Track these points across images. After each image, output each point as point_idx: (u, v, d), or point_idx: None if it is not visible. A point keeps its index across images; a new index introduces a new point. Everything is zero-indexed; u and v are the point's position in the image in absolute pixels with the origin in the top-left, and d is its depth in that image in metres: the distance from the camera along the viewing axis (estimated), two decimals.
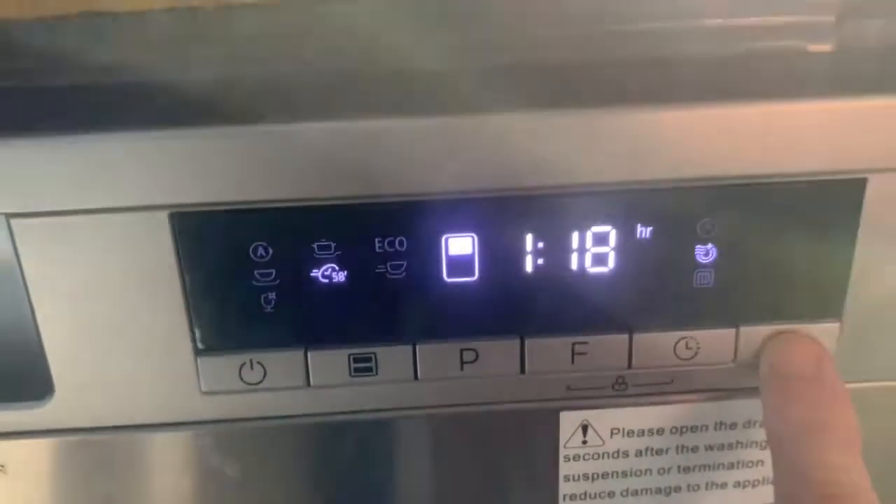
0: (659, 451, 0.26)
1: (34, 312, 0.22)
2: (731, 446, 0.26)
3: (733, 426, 0.25)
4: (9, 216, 0.21)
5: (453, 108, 0.21)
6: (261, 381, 0.23)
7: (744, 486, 0.26)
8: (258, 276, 0.22)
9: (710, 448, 0.26)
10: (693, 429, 0.25)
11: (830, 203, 0.23)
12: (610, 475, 0.26)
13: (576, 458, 0.25)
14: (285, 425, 0.24)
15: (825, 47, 0.24)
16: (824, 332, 0.24)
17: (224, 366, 0.23)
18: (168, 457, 0.25)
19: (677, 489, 0.26)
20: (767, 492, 0.26)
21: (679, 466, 0.26)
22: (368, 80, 0.24)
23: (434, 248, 0.23)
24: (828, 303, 0.24)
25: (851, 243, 0.23)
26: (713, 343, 0.24)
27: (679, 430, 0.25)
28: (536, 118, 0.21)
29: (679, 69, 0.24)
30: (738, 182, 0.22)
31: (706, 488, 0.26)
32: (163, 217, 0.21)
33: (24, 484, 0.25)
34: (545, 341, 0.23)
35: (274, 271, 0.22)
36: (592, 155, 0.21)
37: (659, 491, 0.26)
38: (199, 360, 0.23)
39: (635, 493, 0.26)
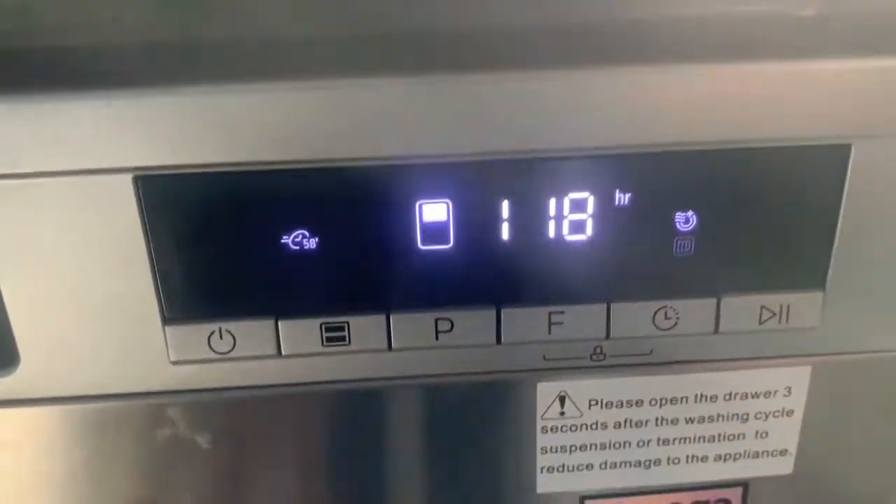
0: (638, 424, 0.25)
1: None
2: (711, 419, 0.25)
3: (714, 398, 0.25)
4: None
5: (429, 69, 0.21)
6: (230, 351, 0.23)
7: (724, 460, 0.26)
8: (226, 243, 0.22)
9: (690, 421, 0.25)
10: (673, 401, 0.25)
11: (814, 170, 0.22)
12: (588, 447, 0.25)
13: (553, 429, 0.25)
14: (256, 395, 0.24)
15: (809, 11, 0.23)
16: (808, 301, 0.23)
17: (193, 335, 0.23)
18: (139, 425, 0.25)
19: (657, 462, 0.26)
20: (748, 465, 0.26)
21: (659, 439, 0.25)
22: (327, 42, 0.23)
23: (408, 215, 0.22)
24: (811, 272, 0.23)
25: (836, 211, 0.22)
26: (693, 313, 0.23)
27: (659, 402, 0.25)
28: (513, 79, 0.21)
29: (660, 31, 0.23)
30: (719, 147, 0.21)
31: (686, 461, 0.26)
32: (127, 180, 0.21)
33: None
34: (521, 311, 0.23)
35: (242, 237, 0.22)
36: (570, 119, 0.21)
37: (639, 464, 0.26)
38: (166, 328, 0.23)
39: (614, 465, 0.26)
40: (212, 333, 0.23)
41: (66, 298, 0.22)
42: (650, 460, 0.26)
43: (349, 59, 0.22)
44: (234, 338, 0.23)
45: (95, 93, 0.20)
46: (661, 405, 0.25)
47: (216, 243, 0.22)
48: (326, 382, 0.24)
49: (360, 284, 0.23)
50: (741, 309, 0.23)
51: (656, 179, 0.22)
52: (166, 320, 0.23)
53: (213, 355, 0.23)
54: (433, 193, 0.22)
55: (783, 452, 0.26)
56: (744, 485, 0.27)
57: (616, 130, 0.21)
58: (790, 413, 0.25)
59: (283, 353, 0.23)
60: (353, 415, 0.25)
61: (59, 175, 0.21)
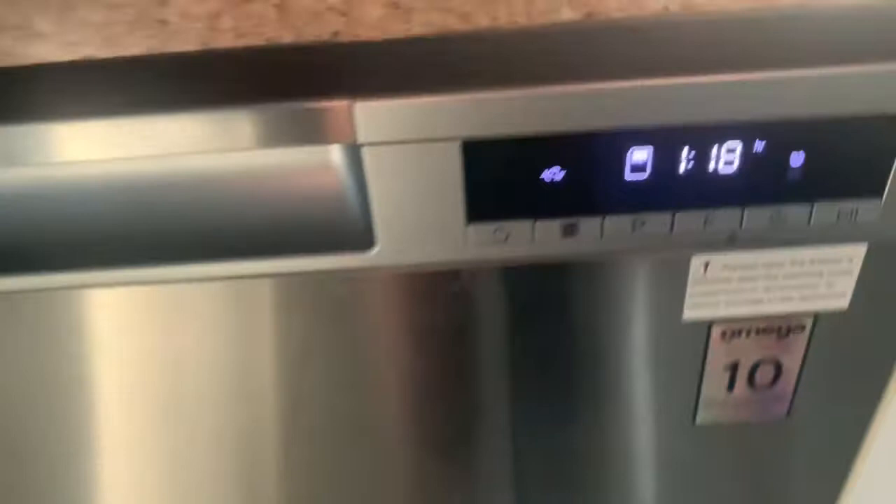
0: (752, 279, 0.40)
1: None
2: (801, 275, 0.40)
3: (802, 263, 0.39)
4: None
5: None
6: (506, 239, 0.37)
7: (804, 299, 0.41)
8: (509, 177, 0.36)
9: (786, 276, 0.40)
10: (778, 265, 0.39)
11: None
12: (718, 293, 0.40)
13: (698, 282, 0.40)
14: (520, 266, 0.39)
15: None
16: (869, 205, 0.37)
17: (483, 230, 0.37)
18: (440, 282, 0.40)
19: (762, 301, 0.41)
20: (819, 302, 0.41)
21: (765, 287, 0.40)
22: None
23: (622, 156, 0.35)
24: (873, 186, 0.36)
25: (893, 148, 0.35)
26: (795, 214, 0.37)
27: (766, 266, 0.39)
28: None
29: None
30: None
31: (780, 300, 0.41)
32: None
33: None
34: (689, 213, 0.37)
35: (522, 172, 0.36)
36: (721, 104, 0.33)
37: (750, 302, 0.41)
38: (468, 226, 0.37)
39: (734, 303, 0.41)
40: (495, 230, 0.37)
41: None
42: (759, 299, 0.41)
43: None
44: (509, 233, 0.37)
45: None
46: (769, 266, 0.39)
47: (503, 177, 0.36)
48: (562, 257, 0.38)
49: (586, 199, 0.37)
50: (826, 211, 0.37)
51: (780, 132, 0.35)
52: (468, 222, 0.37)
53: (493, 243, 0.37)
54: (640, 143, 0.35)
55: (842, 295, 0.41)
56: (815, 314, 0.41)
57: (759, 108, 0.34)
58: (849, 273, 0.39)
59: (535, 241, 0.38)
60: (577, 285, 0.40)
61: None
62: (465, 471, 0.51)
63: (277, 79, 0.31)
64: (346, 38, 0.28)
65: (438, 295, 0.40)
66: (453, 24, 0.28)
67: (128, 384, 0.45)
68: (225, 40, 0.28)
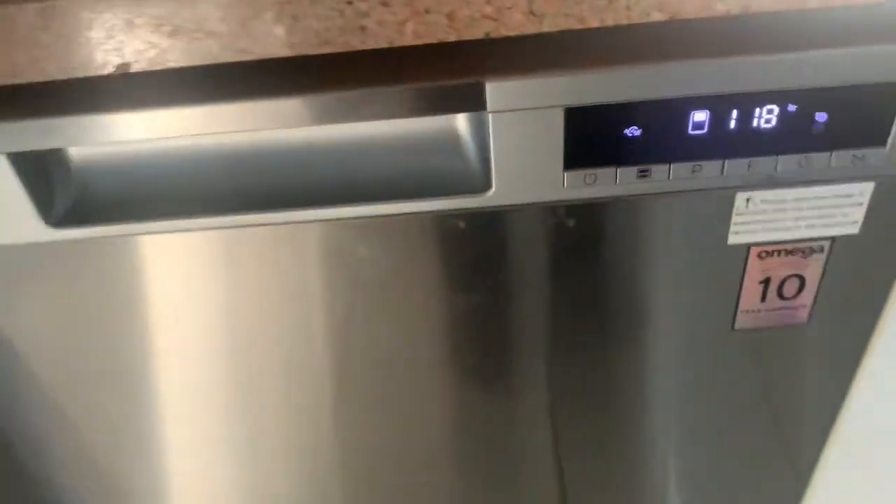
0: (783, 210, 0.51)
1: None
2: (820, 207, 0.51)
3: (824, 198, 0.51)
4: None
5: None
6: (594, 182, 0.49)
7: (825, 225, 0.52)
8: (596, 133, 0.47)
9: (811, 207, 0.51)
10: (804, 199, 0.51)
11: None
12: (756, 222, 0.52)
13: (740, 213, 0.51)
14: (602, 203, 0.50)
15: None
16: (876, 152, 0.48)
17: (576, 175, 0.49)
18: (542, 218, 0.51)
19: (791, 228, 0.52)
20: (835, 228, 0.52)
21: (795, 217, 0.51)
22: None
23: (686, 117, 0.47)
24: (878, 137, 0.47)
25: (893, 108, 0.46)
26: (819, 159, 0.48)
27: (796, 199, 0.51)
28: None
29: None
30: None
31: (806, 227, 0.52)
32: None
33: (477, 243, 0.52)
34: (735, 160, 0.48)
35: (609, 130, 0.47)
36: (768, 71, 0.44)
37: (782, 228, 0.52)
38: (565, 171, 0.48)
39: (770, 229, 0.52)
40: (586, 175, 0.49)
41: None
42: (788, 227, 0.52)
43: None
44: (596, 177, 0.49)
45: None
46: (797, 200, 0.51)
47: (594, 134, 0.47)
48: (636, 196, 0.50)
49: (657, 151, 0.48)
50: (842, 157, 0.48)
51: (806, 97, 0.46)
52: (565, 168, 0.48)
53: (584, 185, 0.49)
54: (699, 107, 0.46)
55: (854, 223, 0.52)
56: (832, 238, 0.53)
57: (786, 77, 0.45)
58: (861, 205, 0.51)
59: (617, 183, 0.49)
60: (648, 217, 0.51)
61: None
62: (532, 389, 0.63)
63: (439, 65, 0.42)
64: (495, 36, 0.39)
65: (538, 228, 0.52)
66: (573, 25, 0.39)
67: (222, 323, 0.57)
68: (406, 41, 0.39)
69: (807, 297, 0.56)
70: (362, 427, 0.66)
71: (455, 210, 0.51)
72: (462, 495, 0.73)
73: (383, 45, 0.39)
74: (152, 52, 0.40)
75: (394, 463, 0.69)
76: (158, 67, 0.41)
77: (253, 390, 0.63)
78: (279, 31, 0.38)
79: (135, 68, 0.40)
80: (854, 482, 0.70)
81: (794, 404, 0.67)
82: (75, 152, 0.51)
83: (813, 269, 0.54)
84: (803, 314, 0.57)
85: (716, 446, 0.69)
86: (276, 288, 0.56)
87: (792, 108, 0.46)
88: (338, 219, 0.51)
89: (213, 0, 0.37)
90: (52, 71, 0.41)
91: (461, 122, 0.49)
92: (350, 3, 0.37)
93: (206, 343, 0.59)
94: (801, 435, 0.68)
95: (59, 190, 0.51)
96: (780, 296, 0.56)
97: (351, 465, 0.70)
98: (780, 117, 0.46)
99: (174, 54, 0.40)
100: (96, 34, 0.39)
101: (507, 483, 0.72)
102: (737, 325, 0.58)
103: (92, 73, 0.41)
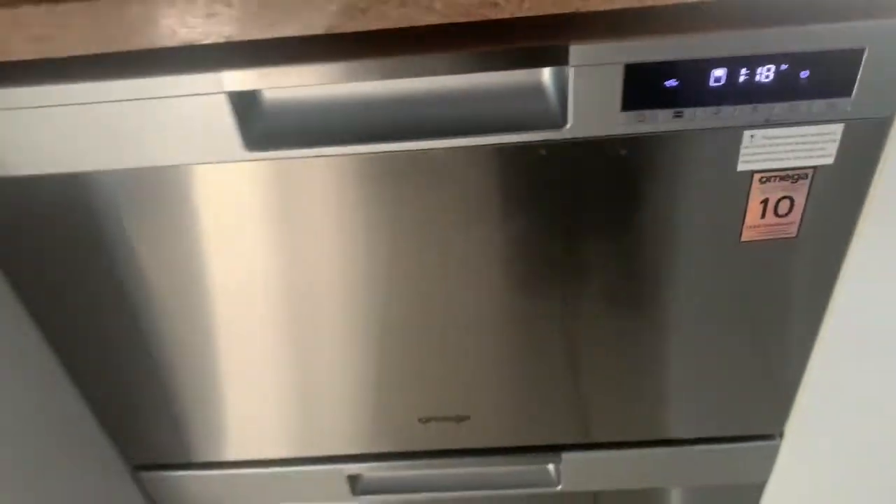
0: (778, 144, 0.70)
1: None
2: (803, 143, 0.70)
3: (806, 135, 0.70)
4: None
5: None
6: (644, 121, 0.68)
7: (808, 160, 0.71)
8: (645, 88, 0.66)
9: (798, 143, 0.70)
10: (793, 136, 0.70)
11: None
12: (761, 153, 0.71)
13: (747, 147, 0.70)
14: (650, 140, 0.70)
15: None
16: (840, 103, 0.67)
17: (632, 115, 0.68)
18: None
19: (784, 159, 0.71)
20: (816, 161, 0.71)
21: (784, 149, 0.71)
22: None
23: (708, 73, 0.66)
24: (842, 90, 0.67)
25: (853, 79, 0.65)
26: (803, 106, 0.67)
27: (787, 137, 0.70)
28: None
29: None
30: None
31: (793, 164, 0.71)
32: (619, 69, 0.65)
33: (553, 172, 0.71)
34: (744, 106, 0.67)
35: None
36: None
37: (779, 158, 0.71)
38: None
39: (768, 160, 0.71)
40: (638, 115, 0.68)
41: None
42: (782, 157, 0.71)
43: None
44: (645, 117, 0.68)
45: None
46: (788, 137, 0.70)
47: (644, 84, 0.66)
48: (673, 131, 0.69)
49: (688, 98, 0.67)
50: (821, 105, 0.67)
51: (793, 59, 0.65)
52: (622, 109, 0.68)
53: (636, 123, 0.68)
54: (718, 66, 0.66)
55: (829, 155, 0.71)
56: (814, 167, 0.72)
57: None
58: (834, 141, 0.70)
59: (659, 121, 0.68)
60: (685, 149, 0.71)
61: None
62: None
63: (536, 32, 0.62)
64: (583, 10, 0.58)
65: (600, 155, 0.72)
66: (634, 4, 0.59)
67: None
68: (523, 13, 0.58)
69: (796, 214, 0.75)
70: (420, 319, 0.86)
71: (539, 141, 0.70)
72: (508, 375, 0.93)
73: (507, 16, 0.58)
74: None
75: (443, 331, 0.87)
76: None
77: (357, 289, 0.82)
78: (437, 5, 0.58)
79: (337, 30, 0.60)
80: (841, 378, 0.90)
81: (786, 307, 0.84)
82: (268, 94, 0.70)
83: (800, 192, 0.73)
84: (793, 229, 0.76)
85: (718, 342, 0.89)
86: (410, 204, 0.75)
87: (784, 67, 0.65)
88: (453, 147, 0.70)
89: None
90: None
91: (546, 74, 0.68)
92: None
93: (340, 249, 0.79)
94: (792, 333, 0.87)
95: (255, 123, 0.71)
96: (776, 213, 0.75)
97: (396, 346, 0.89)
98: (776, 74, 0.66)
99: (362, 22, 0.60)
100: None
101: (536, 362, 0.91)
102: (743, 238, 0.77)
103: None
